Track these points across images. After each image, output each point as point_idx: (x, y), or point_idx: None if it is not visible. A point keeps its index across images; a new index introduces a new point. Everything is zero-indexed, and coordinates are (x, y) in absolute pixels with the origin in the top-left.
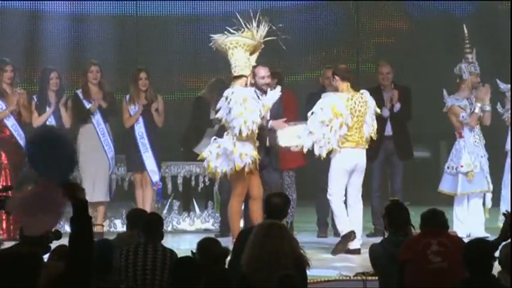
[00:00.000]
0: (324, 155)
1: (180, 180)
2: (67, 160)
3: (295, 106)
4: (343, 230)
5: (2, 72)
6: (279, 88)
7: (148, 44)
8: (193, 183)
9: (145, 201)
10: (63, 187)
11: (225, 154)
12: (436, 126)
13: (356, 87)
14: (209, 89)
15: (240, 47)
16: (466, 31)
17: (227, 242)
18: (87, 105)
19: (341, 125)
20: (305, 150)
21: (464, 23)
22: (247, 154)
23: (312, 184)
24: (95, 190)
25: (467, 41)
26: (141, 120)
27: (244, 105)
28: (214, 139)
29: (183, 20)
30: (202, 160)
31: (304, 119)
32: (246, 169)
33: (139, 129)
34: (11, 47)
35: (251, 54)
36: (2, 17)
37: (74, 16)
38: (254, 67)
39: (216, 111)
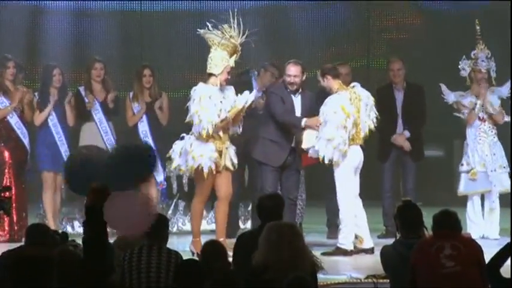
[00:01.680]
0: (341, 160)
1: (185, 180)
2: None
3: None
4: (344, 242)
5: (4, 69)
6: (253, 93)
7: (153, 40)
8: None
9: None
10: (98, 191)
11: (185, 153)
12: (449, 124)
13: (367, 85)
14: None
15: (216, 46)
16: (478, 26)
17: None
18: (86, 102)
19: (353, 125)
20: (326, 161)
21: (478, 17)
22: (202, 155)
23: (322, 183)
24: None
25: (478, 36)
26: (144, 118)
27: (200, 104)
28: (182, 137)
29: (189, 16)
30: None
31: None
32: (205, 170)
33: (143, 127)
34: (13, 43)
35: (231, 54)
36: (3, 13)
37: (77, 11)
38: (287, 63)
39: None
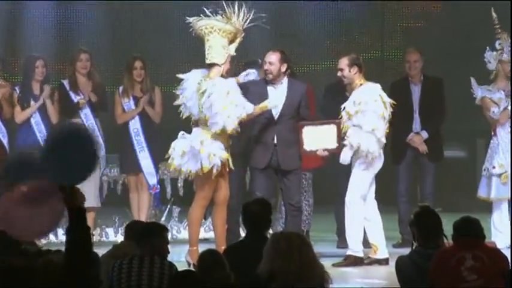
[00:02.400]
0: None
1: (180, 183)
2: (86, 162)
3: (313, 101)
4: (356, 248)
5: None
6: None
7: (144, 30)
8: (195, 186)
9: (141, 207)
10: (63, 191)
11: (191, 153)
12: (472, 122)
13: (381, 78)
14: None
15: (215, 33)
16: (494, 14)
17: None
18: (74, 98)
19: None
20: (369, 156)
21: (497, 4)
22: (215, 154)
23: (331, 188)
24: (84, 194)
25: (496, 25)
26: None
27: (229, 98)
28: (182, 134)
29: (184, 4)
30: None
31: (320, 115)
32: (214, 171)
33: (134, 125)
34: None
35: (231, 42)
36: None
37: None
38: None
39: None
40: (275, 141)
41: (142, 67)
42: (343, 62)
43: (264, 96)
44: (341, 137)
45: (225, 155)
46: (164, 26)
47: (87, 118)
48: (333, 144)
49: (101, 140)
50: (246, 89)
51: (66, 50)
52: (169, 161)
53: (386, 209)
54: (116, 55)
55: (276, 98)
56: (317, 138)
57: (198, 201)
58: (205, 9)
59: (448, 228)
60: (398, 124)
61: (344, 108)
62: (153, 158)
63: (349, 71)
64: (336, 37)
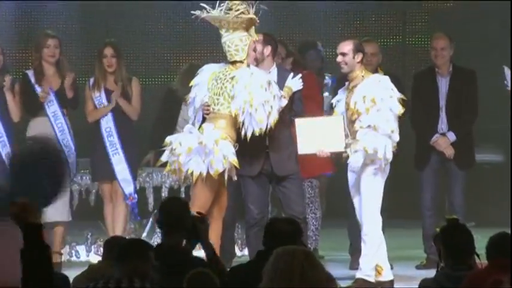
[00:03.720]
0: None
1: (165, 193)
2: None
3: (319, 93)
4: (369, 272)
5: None
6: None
7: (122, 12)
8: (183, 195)
9: (116, 219)
10: (12, 206)
11: (198, 152)
12: (509, 120)
13: (402, 69)
14: (181, 79)
15: (226, 27)
16: None
17: None
18: (39, 92)
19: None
20: (383, 161)
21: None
22: (227, 157)
23: (343, 197)
24: (50, 207)
25: None
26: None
27: (271, 92)
28: (190, 129)
29: None
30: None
31: (329, 110)
32: (226, 176)
33: (107, 123)
34: None
35: (248, 30)
36: None
37: None
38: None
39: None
40: (266, 142)
41: (114, 54)
42: (347, 46)
43: None
44: (344, 134)
45: (235, 160)
46: (145, 8)
47: (55, 117)
48: (340, 145)
49: (71, 144)
50: None
51: (30, 34)
52: (172, 158)
53: (408, 224)
54: (89, 42)
55: None
56: (316, 136)
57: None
58: (205, 6)
59: (481, 246)
60: (422, 123)
61: (347, 104)
62: (129, 163)
63: (353, 57)
64: (348, 20)
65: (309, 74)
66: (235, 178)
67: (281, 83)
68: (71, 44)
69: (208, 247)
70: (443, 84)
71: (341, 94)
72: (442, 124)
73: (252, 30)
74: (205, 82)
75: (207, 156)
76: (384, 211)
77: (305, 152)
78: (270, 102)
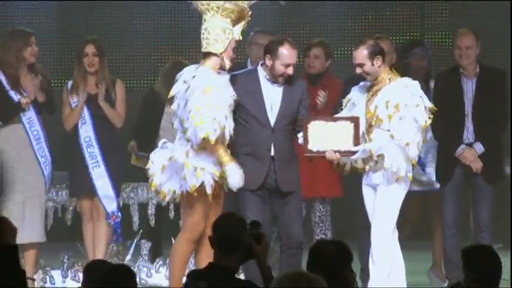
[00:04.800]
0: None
1: (151, 210)
2: None
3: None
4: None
5: None
6: None
7: (103, 9)
8: (172, 214)
9: (97, 241)
10: None
11: (173, 167)
12: None
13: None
14: (163, 80)
15: (213, 11)
16: None
17: None
18: (15, 98)
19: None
20: (393, 177)
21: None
22: (204, 169)
23: (353, 217)
24: (23, 225)
25: None
26: (88, 117)
27: (205, 99)
28: (164, 143)
29: None
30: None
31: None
32: (208, 190)
33: (86, 132)
34: None
35: (235, 23)
36: None
37: None
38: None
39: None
40: (272, 153)
41: (96, 53)
42: (361, 54)
43: (259, 96)
44: (359, 137)
45: (218, 170)
46: (128, 4)
47: (30, 124)
48: (348, 145)
49: (47, 154)
50: (236, 83)
51: (1, 32)
52: (149, 180)
53: (427, 245)
54: (66, 40)
55: (272, 97)
56: (327, 137)
57: (185, 233)
58: None
59: (509, 270)
60: (444, 133)
61: (367, 107)
62: (112, 177)
63: (372, 65)
64: (359, 15)
65: (336, 81)
66: (232, 189)
67: (290, 90)
68: (46, 42)
69: (265, 270)
70: (469, 88)
71: (356, 93)
72: (468, 133)
73: (239, 28)
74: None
75: (179, 171)
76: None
77: (316, 149)
78: (200, 110)
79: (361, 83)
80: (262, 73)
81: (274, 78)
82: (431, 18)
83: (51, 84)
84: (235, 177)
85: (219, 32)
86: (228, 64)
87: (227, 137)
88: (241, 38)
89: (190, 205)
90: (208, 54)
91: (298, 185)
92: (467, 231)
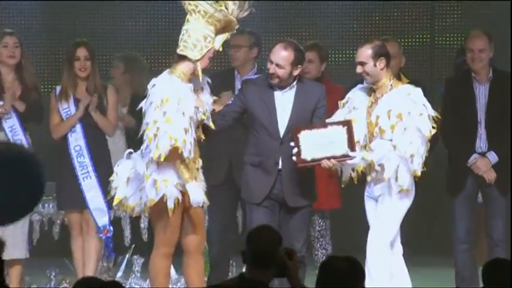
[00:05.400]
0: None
1: (144, 224)
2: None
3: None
4: None
5: None
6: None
7: (92, 9)
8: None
9: (87, 257)
10: None
11: (137, 179)
12: None
13: (430, 73)
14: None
15: (199, 14)
16: None
17: None
18: None
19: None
20: (395, 188)
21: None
22: (166, 180)
23: (354, 232)
24: (6, 241)
25: None
26: (78, 125)
27: (163, 111)
28: (129, 153)
29: None
30: None
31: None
32: (170, 205)
33: (77, 141)
34: None
35: (218, 33)
36: None
37: None
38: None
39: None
40: (279, 166)
41: (88, 57)
42: (365, 53)
43: (270, 105)
44: (354, 141)
45: (177, 184)
46: (119, 4)
47: (13, 132)
48: (343, 150)
49: None
50: (249, 90)
51: None
52: (111, 193)
53: (439, 261)
54: (53, 43)
55: (283, 105)
56: (320, 144)
57: (157, 249)
58: None
59: None
60: (456, 141)
61: (368, 115)
62: (104, 188)
63: (375, 65)
64: (365, 16)
65: (338, 88)
66: (197, 204)
67: (303, 99)
68: (30, 44)
69: (297, 287)
70: (481, 93)
71: (357, 95)
72: (481, 142)
73: (221, 38)
74: None
75: (140, 183)
76: (404, 246)
77: (310, 158)
78: (158, 123)
79: (360, 85)
80: None
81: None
82: (441, 20)
83: (39, 92)
84: (196, 194)
85: (199, 37)
86: (201, 74)
87: (186, 154)
88: (221, 49)
89: (159, 219)
90: (182, 58)
91: (310, 199)
92: (479, 245)
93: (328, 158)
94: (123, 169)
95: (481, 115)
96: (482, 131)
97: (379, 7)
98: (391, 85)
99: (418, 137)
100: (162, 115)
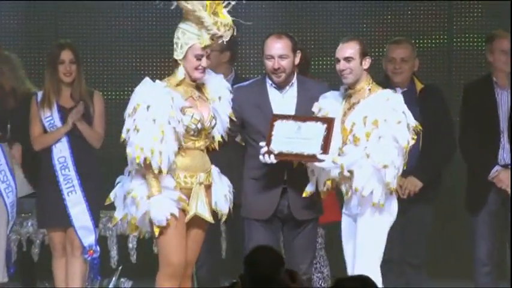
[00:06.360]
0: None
1: (132, 244)
2: None
3: None
4: None
5: None
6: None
7: (75, 8)
8: (156, 248)
9: (71, 280)
10: None
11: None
12: None
13: (449, 78)
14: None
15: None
16: None
17: None
18: None
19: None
20: (373, 200)
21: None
22: (145, 199)
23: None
24: None
25: None
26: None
27: (134, 119)
28: (128, 170)
29: None
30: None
31: None
32: (161, 222)
33: (61, 152)
34: None
35: (198, 27)
36: None
37: None
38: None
39: None
40: (285, 177)
41: (74, 60)
42: (352, 48)
43: (267, 110)
44: (329, 142)
45: (176, 194)
46: (105, 2)
47: None
48: (314, 149)
49: (10, 178)
50: (242, 97)
51: None
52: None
53: (458, 284)
54: (33, 45)
55: (283, 109)
56: (292, 137)
57: (162, 270)
58: None
59: None
60: (476, 153)
61: (342, 123)
62: (90, 204)
63: (361, 64)
64: (377, 14)
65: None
66: (159, 223)
67: (304, 99)
68: (9, 46)
69: None
70: (504, 100)
71: (329, 101)
72: (504, 153)
73: (205, 35)
74: None
75: (127, 199)
76: (421, 268)
77: (277, 151)
78: (129, 132)
79: (331, 92)
80: (268, 81)
81: (272, 81)
82: (460, 20)
83: (17, 97)
84: (156, 211)
85: (179, 34)
86: (195, 75)
87: (155, 165)
88: (207, 44)
89: (160, 236)
90: (175, 63)
91: (317, 211)
92: (503, 269)
93: (296, 156)
94: (120, 187)
95: (504, 124)
96: (505, 141)
97: (391, 6)
98: (369, 90)
99: (394, 147)
100: (132, 123)
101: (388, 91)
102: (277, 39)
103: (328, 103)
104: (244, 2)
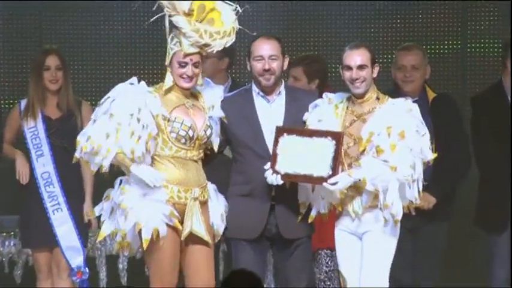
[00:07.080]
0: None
1: (123, 264)
2: None
3: None
4: None
5: None
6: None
7: (61, 10)
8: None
9: None
10: None
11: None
12: None
13: (463, 85)
14: None
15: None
16: None
17: None
18: None
19: None
20: (391, 221)
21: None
22: (132, 210)
23: None
24: None
25: None
26: (47, 148)
27: (96, 111)
28: (120, 181)
29: None
30: None
31: None
32: (146, 235)
33: (44, 166)
34: None
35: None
36: None
37: None
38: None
39: None
40: (273, 193)
41: (60, 66)
42: (365, 54)
43: (253, 121)
44: (339, 161)
45: (167, 209)
46: (94, 4)
47: None
48: (324, 171)
49: None
50: (227, 108)
51: None
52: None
53: None
54: (16, 50)
55: (270, 119)
56: (300, 156)
57: (154, 286)
58: None
59: None
60: (494, 167)
61: (351, 135)
62: (77, 223)
63: (372, 72)
64: (386, 18)
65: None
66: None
67: (293, 108)
68: None
69: None
70: None
71: (325, 114)
72: None
73: (185, 42)
74: None
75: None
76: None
77: (284, 172)
78: (90, 121)
79: (320, 101)
80: (255, 90)
81: (260, 87)
82: (474, 24)
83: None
84: (147, 222)
85: (169, 39)
86: (180, 84)
87: (93, 167)
88: (189, 52)
89: (149, 254)
90: (167, 69)
91: (309, 230)
92: None
93: (304, 177)
94: (108, 202)
95: None
96: None
97: (401, 9)
98: (377, 98)
99: (420, 160)
100: (95, 114)
101: (407, 101)
102: (267, 40)
103: (326, 114)
104: (246, 5)
